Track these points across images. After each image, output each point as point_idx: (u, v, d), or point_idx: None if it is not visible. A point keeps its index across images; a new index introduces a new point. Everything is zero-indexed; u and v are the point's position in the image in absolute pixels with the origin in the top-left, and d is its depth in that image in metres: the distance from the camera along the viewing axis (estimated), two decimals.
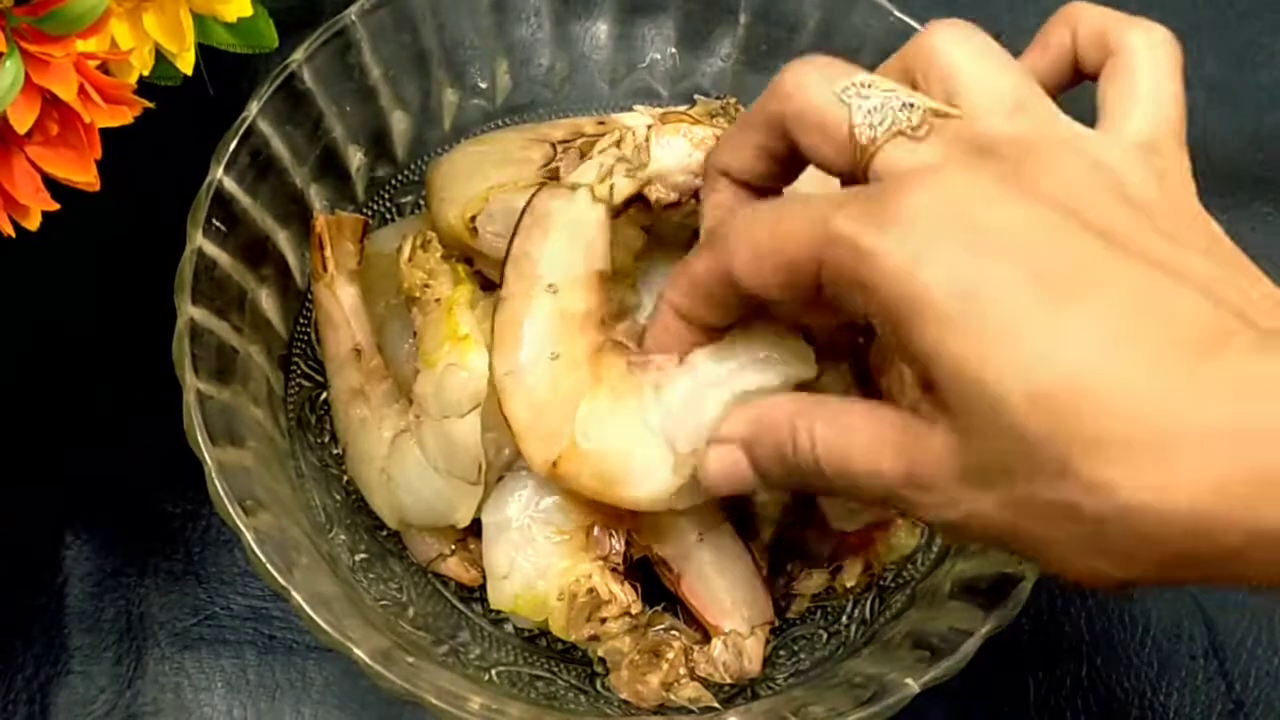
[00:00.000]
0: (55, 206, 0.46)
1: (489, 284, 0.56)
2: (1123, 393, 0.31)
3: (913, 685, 0.46)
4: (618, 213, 0.50)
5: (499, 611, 0.53)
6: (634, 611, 0.51)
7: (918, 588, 0.55)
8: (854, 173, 0.40)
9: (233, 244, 0.53)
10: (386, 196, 0.62)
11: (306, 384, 0.57)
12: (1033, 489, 0.32)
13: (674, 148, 0.55)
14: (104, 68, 0.46)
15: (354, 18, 0.56)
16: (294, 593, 0.46)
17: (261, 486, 0.49)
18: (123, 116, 0.46)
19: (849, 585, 0.55)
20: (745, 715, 0.51)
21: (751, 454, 0.41)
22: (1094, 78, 0.42)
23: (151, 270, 0.52)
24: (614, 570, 0.52)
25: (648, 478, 0.46)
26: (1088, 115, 0.41)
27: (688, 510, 0.53)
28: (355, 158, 0.59)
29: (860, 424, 0.37)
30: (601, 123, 0.59)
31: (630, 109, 0.60)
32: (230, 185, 0.53)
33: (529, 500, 0.52)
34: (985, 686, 0.58)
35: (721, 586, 0.53)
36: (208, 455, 0.47)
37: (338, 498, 0.56)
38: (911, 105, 0.38)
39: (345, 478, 0.56)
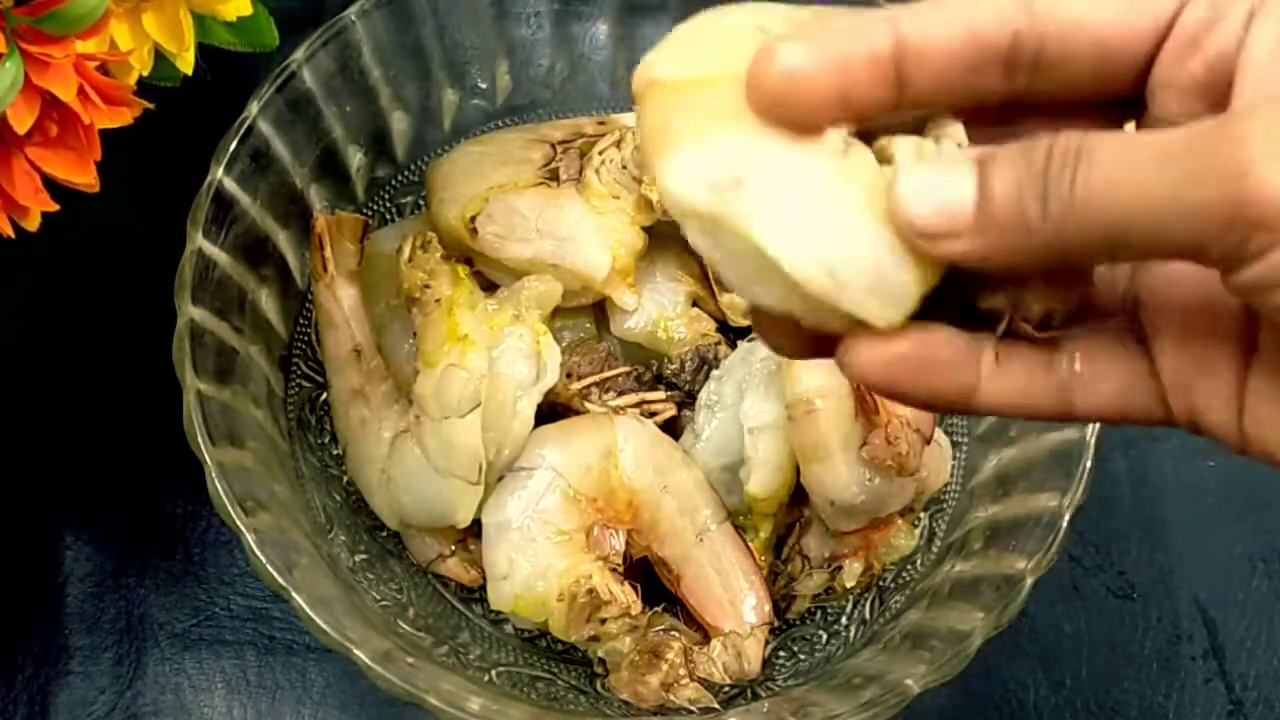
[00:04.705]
0: (55, 207, 0.46)
1: (489, 284, 0.56)
2: None
3: (913, 685, 0.46)
4: None
5: (499, 612, 0.53)
6: (634, 612, 0.51)
7: (917, 588, 0.55)
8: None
9: (233, 244, 0.53)
10: (386, 196, 0.62)
11: (306, 385, 0.57)
12: None
13: None
14: (104, 68, 0.46)
15: (354, 18, 0.56)
16: (294, 593, 0.46)
17: (261, 487, 0.49)
18: (122, 117, 0.46)
19: (849, 585, 0.55)
20: (745, 716, 0.51)
21: (985, 172, 0.28)
22: None
23: (151, 270, 0.52)
24: (614, 570, 0.52)
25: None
26: None
27: (687, 509, 0.53)
28: (355, 158, 0.59)
29: (1155, 131, 0.27)
30: (601, 123, 0.59)
31: (630, 109, 0.60)
32: (230, 185, 0.53)
33: (529, 500, 0.52)
34: (985, 686, 0.58)
35: (721, 587, 0.53)
36: (208, 456, 0.47)
37: (338, 498, 0.56)
38: None
39: (345, 478, 0.56)
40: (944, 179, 0.29)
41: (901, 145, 0.30)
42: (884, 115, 0.30)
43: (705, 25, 0.32)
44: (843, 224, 0.29)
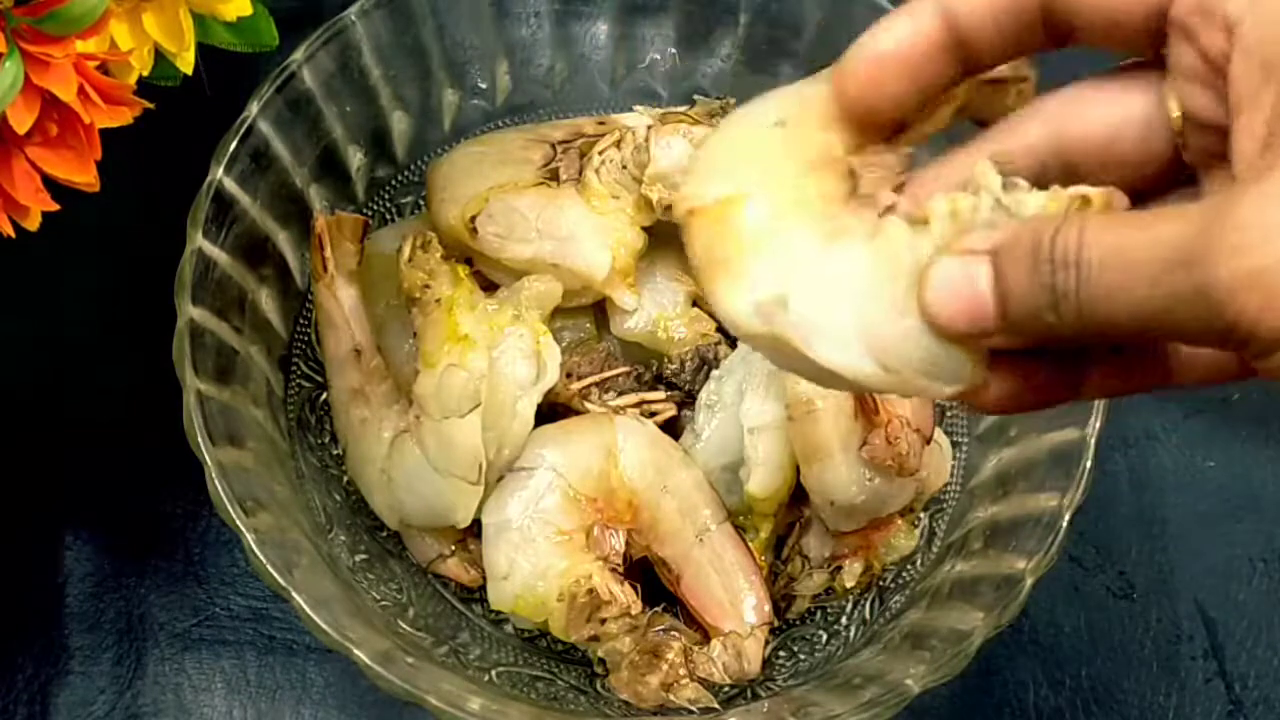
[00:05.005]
0: (55, 207, 0.46)
1: (489, 284, 0.56)
2: None
3: (913, 685, 0.46)
4: None
5: (499, 612, 0.53)
6: (634, 612, 0.51)
7: (917, 588, 0.55)
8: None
9: (233, 244, 0.53)
10: (386, 196, 0.62)
11: (306, 385, 0.57)
12: None
13: (674, 148, 0.56)
14: (104, 68, 0.46)
15: (354, 18, 0.56)
16: (294, 594, 0.46)
17: (261, 487, 0.49)
18: (122, 117, 0.46)
19: (849, 585, 0.55)
20: (745, 716, 0.51)
21: (999, 266, 0.30)
22: None
23: (151, 270, 0.52)
24: (614, 570, 0.52)
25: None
26: None
27: (687, 509, 0.53)
28: (355, 158, 0.59)
29: (1153, 220, 0.28)
30: (601, 123, 0.59)
31: (630, 109, 0.60)
32: (230, 185, 0.53)
33: (529, 500, 0.52)
34: (985, 686, 0.58)
35: (721, 586, 0.53)
36: (208, 456, 0.47)
37: (338, 498, 0.56)
38: None
39: (345, 478, 0.56)
40: (965, 283, 0.30)
41: (938, 207, 0.31)
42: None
43: (726, 137, 0.34)
44: (885, 322, 0.31)
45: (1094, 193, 0.30)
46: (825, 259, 0.32)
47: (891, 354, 0.31)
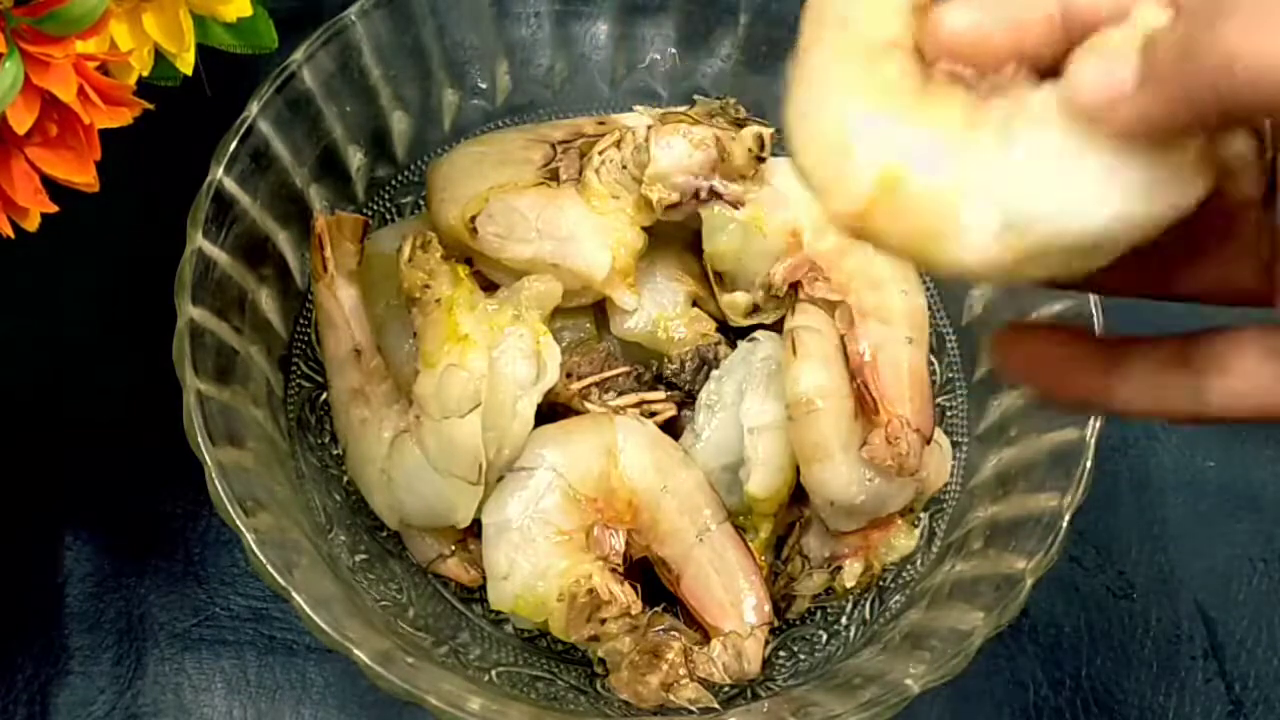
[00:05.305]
0: (54, 208, 0.46)
1: (489, 284, 0.56)
2: None
3: (913, 685, 0.46)
4: None
5: (499, 612, 0.53)
6: (634, 612, 0.51)
7: (917, 588, 0.55)
8: None
9: (233, 244, 0.53)
10: (386, 196, 0.62)
11: (306, 385, 0.57)
12: None
13: (674, 148, 0.56)
14: (104, 69, 0.46)
15: (354, 18, 0.56)
16: (294, 593, 0.46)
17: (261, 487, 0.49)
18: (122, 117, 0.46)
19: (849, 585, 0.55)
20: (745, 716, 0.51)
21: (1147, 51, 0.29)
22: None
23: (151, 270, 0.52)
24: (614, 570, 0.52)
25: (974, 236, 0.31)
26: None
27: (687, 509, 0.53)
28: (355, 158, 0.59)
29: None
30: (601, 123, 0.59)
31: (630, 109, 0.60)
32: (230, 185, 0.53)
33: (529, 500, 0.52)
34: (985, 686, 0.58)
35: (721, 586, 0.53)
36: (208, 456, 0.47)
37: (338, 498, 0.56)
38: None
39: (345, 478, 0.56)
40: (1104, 64, 0.29)
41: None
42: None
43: (816, 94, 0.31)
44: (1093, 162, 0.29)
45: None
46: (1010, 164, 0.29)
47: (1122, 192, 0.29)
